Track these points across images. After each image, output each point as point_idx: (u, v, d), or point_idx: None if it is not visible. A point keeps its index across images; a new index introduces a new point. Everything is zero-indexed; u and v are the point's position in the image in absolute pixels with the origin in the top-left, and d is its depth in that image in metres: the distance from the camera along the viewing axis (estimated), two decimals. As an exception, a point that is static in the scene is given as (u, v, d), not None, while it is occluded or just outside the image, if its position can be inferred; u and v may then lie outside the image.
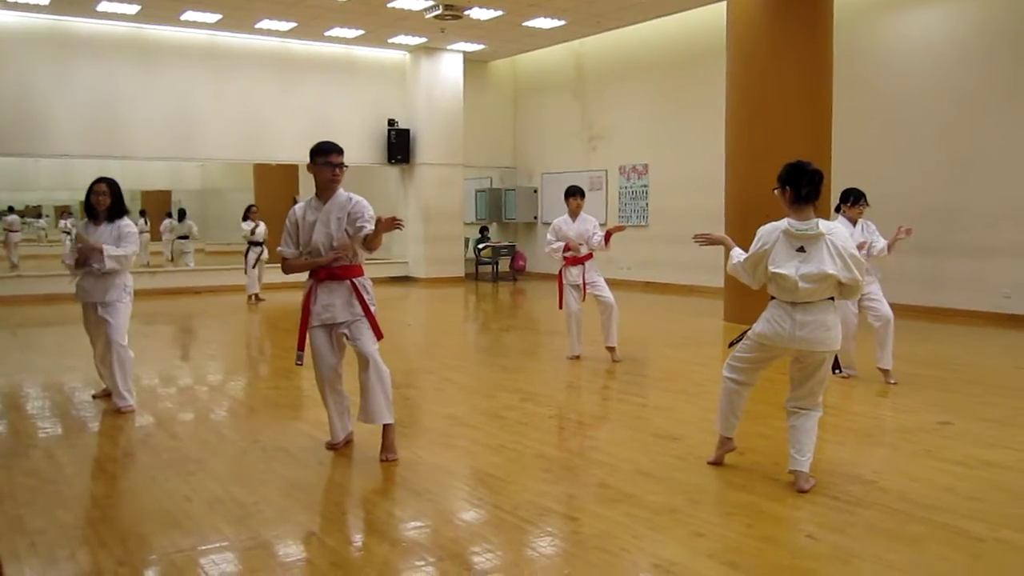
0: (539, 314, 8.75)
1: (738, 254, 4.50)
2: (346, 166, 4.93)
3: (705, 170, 13.47)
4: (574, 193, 7.96)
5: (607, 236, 7.77)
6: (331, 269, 4.85)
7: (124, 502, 4.29)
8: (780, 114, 10.11)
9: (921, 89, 11.34)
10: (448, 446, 5.25)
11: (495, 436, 5.44)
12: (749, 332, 4.45)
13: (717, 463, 4.72)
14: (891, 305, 6.88)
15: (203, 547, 3.60)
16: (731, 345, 4.64)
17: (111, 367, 6.17)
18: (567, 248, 7.93)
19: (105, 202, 6.15)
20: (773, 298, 4.32)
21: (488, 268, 17.97)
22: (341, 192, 4.91)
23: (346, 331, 4.85)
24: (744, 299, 10.52)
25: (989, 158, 10.72)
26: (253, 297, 13.64)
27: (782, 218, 4.34)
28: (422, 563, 3.44)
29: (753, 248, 4.33)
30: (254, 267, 13.59)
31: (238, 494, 4.28)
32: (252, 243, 13.53)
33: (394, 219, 4.62)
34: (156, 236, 20.93)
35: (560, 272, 8.06)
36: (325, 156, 4.85)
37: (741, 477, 4.58)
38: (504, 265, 18.18)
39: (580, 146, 17.23)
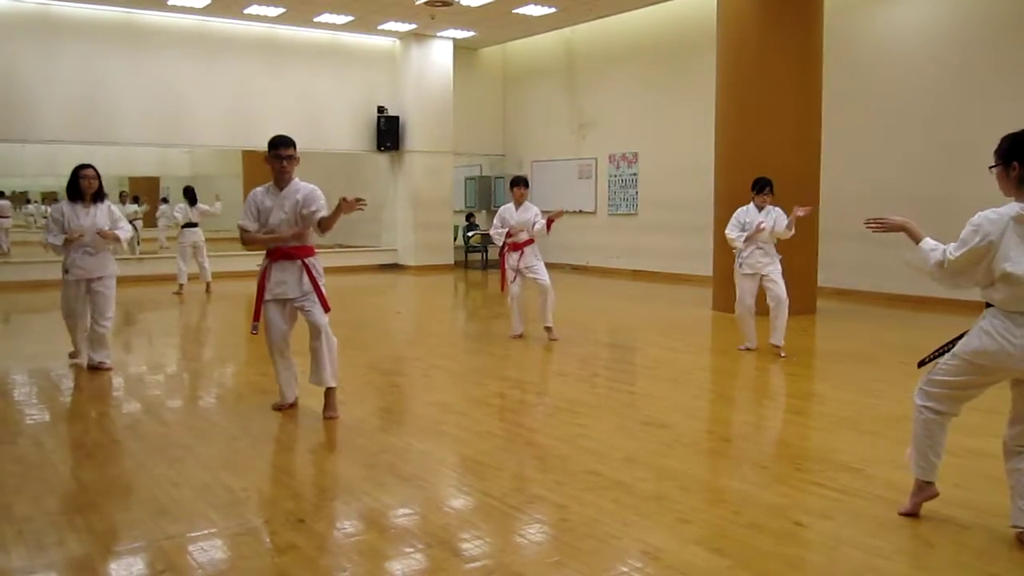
0: (528, 301, 8.76)
1: (934, 248, 3.53)
2: (297, 158, 5.43)
3: (695, 159, 13.45)
4: (518, 183, 8.54)
5: (548, 223, 8.26)
6: (285, 249, 5.36)
7: (112, 489, 4.27)
8: (770, 103, 10.12)
9: (911, 78, 11.35)
10: (437, 433, 5.26)
11: (484, 423, 5.46)
12: (956, 349, 3.52)
13: (911, 514, 3.72)
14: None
15: (192, 534, 3.60)
16: (922, 364, 3.74)
17: (100, 333, 6.88)
18: (510, 234, 8.44)
19: (95, 185, 6.74)
20: (989, 306, 3.44)
21: (477, 256, 17.95)
22: (296, 181, 5.42)
23: (300, 305, 5.39)
24: (733, 289, 10.54)
25: (978, 147, 10.66)
26: (207, 285, 13.05)
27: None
28: (411, 550, 3.45)
29: (970, 242, 3.38)
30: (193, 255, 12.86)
31: (227, 480, 4.27)
32: (187, 225, 12.75)
33: (357, 199, 5.11)
34: (149, 223, 20.75)
35: (502, 257, 8.58)
36: (274, 150, 5.38)
37: (729, 464, 4.60)
38: (493, 253, 18.15)
39: (570, 134, 17.19)
